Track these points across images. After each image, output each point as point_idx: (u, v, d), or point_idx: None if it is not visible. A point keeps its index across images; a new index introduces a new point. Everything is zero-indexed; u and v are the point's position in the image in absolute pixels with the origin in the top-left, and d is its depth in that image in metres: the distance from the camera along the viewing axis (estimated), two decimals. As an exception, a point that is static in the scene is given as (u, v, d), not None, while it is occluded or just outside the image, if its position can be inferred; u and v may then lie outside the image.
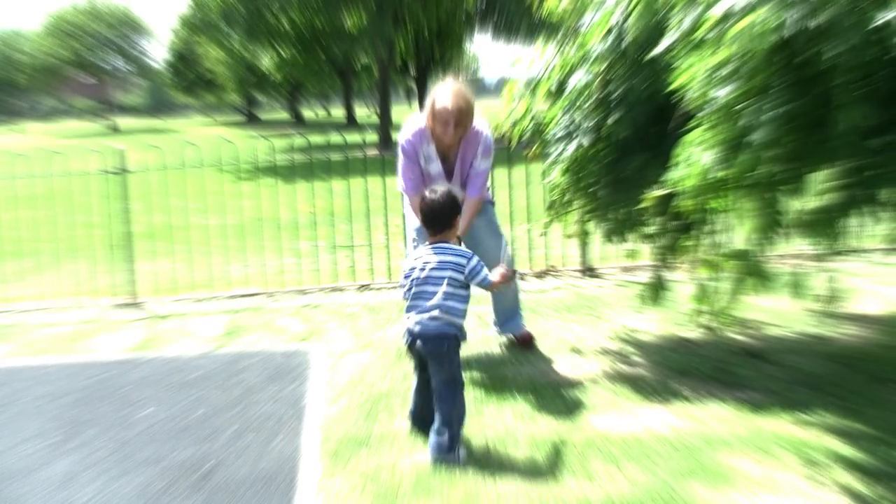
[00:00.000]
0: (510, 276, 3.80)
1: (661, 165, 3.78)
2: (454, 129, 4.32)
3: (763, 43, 3.06)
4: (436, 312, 3.47)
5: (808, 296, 3.97)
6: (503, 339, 5.01)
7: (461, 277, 3.53)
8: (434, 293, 3.49)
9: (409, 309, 3.57)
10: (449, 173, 4.57)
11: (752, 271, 3.79)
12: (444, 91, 4.32)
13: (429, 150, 4.48)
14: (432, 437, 3.44)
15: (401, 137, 4.51)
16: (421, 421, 3.68)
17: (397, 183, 4.67)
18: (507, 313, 4.93)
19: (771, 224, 3.54)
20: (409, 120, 4.54)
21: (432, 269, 3.52)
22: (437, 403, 3.48)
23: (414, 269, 3.57)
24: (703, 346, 4.72)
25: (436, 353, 3.50)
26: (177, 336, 5.57)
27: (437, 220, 3.63)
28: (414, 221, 4.57)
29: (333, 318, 5.83)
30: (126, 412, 4.16)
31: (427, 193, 3.69)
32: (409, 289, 3.58)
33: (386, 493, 3.16)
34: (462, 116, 4.30)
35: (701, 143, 3.38)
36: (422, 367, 3.63)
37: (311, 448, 3.62)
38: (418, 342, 3.50)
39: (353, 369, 4.66)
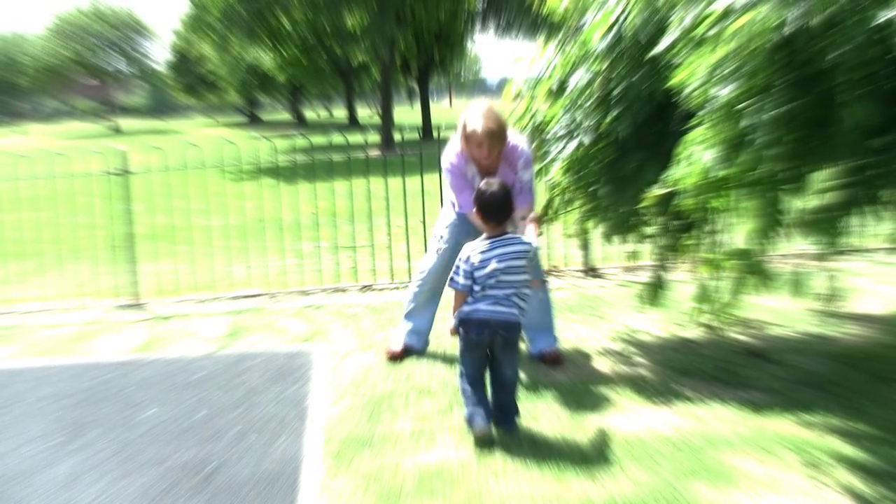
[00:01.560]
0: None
1: (662, 165, 3.78)
2: (488, 149, 4.32)
3: (762, 40, 3.06)
4: (514, 300, 3.68)
5: (809, 294, 3.97)
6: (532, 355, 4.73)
7: (526, 263, 3.72)
8: (512, 283, 3.67)
9: (482, 299, 3.67)
10: None
11: (753, 270, 3.79)
12: (474, 113, 4.32)
13: (471, 170, 4.49)
14: (502, 416, 3.71)
15: (444, 160, 4.54)
16: (488, 414, 3.69)
17: (452, 204, 4.68)
18: (538, 327, 4.72)
19: (772, 223, 3.53)
20: (449, 143, 4.56)
21: (511, 259, 3.67)
22: (504, 386, 3.74)
23: (488, 260, 3.65)
24: (706, 346, 4.72)
25: (513, 342, 3.73)
26: (179, 337, 5.57)
27: (499, 210, 3.74)
28: (446, 222, 4.74)
29: (336, 318, 5.83)
30: (129, 413, 4.17)
31: (483, 186, 3.80)
32: (487, 278, 3.65)
33: (389, 494, 3.16)
34: (494, 137, 4.29)
35: (702, 141, 3.38)
36: (482, 358, 3.74)
37: (313, 449, 3.62)
38: (500, 331, 3.65)
39: (355, 370, 4.66)
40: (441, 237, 4.76)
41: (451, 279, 3.79)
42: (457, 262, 3.80)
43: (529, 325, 4.57)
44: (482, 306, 3.65)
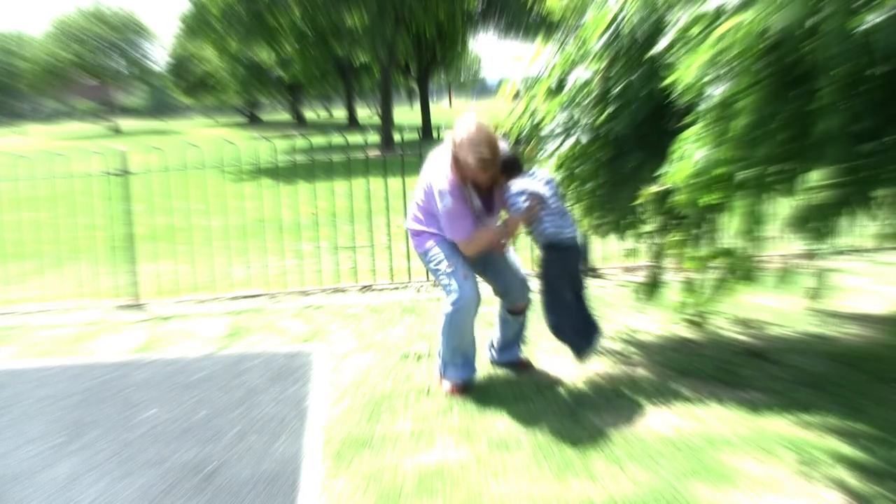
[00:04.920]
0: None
1: (659, 164, 3.79)
2: (494, 169, 4.04)
3: (748, 42, 3.07)
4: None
5: (797, 291, 3.99)
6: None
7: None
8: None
9: (558, 226, 4.16)
10: (489, 207, 4.28)
11: (737, 268, 3.83)
12: (475, 140, 3.92)
13: (469, 192, 4.15)
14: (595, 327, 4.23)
15: (441, 184, 4.08)
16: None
17: (450, 231, 4.15)
18: (510, 342, 4.60)
19: (759, 222, 3.55)
20: (438, 162, 4.18)
21: None
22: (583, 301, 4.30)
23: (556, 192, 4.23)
24: (705, 346, 4.72)
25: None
26: (179, 337, 5.57)
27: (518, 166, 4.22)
28: (455, 253, 4.21)
29: (336, 319, 5.83)
30: (128, 414, 4.17)
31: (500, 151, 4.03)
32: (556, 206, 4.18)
33: (389, 494, 3.16)
34: (498, 156, 4.01)
35: (696, 140, 3.39)
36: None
37: (313, 449, 3.62)
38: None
39: (355, 370, 4.66)
40: (447, 267, 4.19)
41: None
42: (523, 198, 4.09)
43: (503, 338, 4.61)
44: (568, 227, 4.20)
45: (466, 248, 4.18)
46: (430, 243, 4.25)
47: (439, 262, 4.21)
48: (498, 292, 4.51)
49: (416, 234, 4.33)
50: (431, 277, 6.86)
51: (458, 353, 4.27)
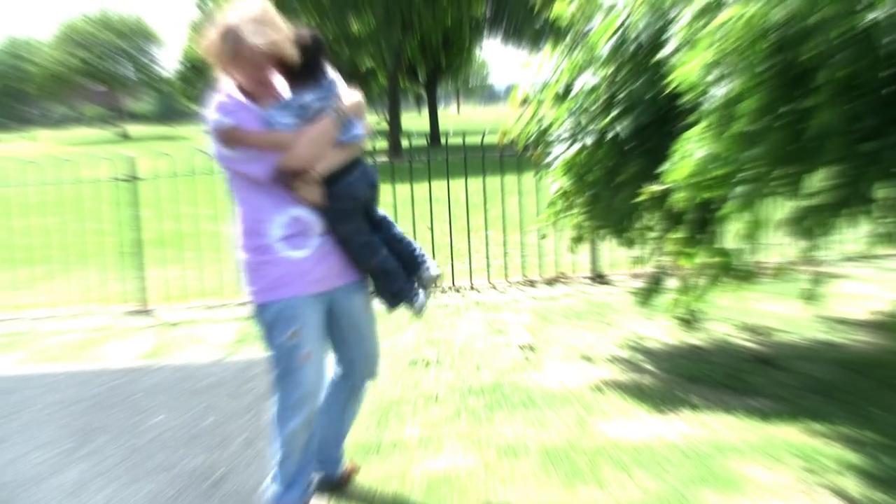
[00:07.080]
0: None
1: (661, 167, 3.80)
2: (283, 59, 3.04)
3: (744, 32, 3.07)
4: None
5: (796, 296, 4.00)
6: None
7: None
8: None
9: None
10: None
11: (735, 268, 3.84)
12: (262, 18, 2.90)
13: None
14: None
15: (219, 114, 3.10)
16: None
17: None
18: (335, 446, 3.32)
19: (759, 223, 3.55)
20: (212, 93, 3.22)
21: None
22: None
23: None
24: (714, 353, 4.71)
25: None
26: (187, 343, 5.58)
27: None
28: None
29: (343, 324, 5.82)
30: (137, 419, 4.18)
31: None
32: None
33: (397, 501, 3.16)
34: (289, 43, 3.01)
35: (699, 139, 3.39)
36: None
37: (321, 455, 3.61)
38: None
39: (362, 376, 4.66)
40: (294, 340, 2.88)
41: None
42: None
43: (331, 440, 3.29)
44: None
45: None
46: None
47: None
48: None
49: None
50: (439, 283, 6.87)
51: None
